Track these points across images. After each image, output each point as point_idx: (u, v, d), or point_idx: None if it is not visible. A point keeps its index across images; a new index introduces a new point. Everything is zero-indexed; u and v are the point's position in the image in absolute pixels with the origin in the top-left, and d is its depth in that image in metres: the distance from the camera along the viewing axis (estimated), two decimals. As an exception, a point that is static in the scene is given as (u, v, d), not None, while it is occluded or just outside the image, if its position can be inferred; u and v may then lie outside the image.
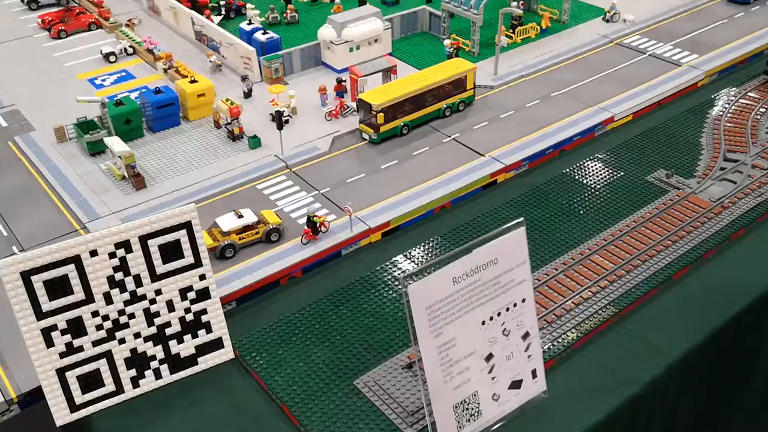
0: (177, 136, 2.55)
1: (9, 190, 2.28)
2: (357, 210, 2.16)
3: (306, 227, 2.05)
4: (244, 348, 1.76)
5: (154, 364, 1.66)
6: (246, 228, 2.03)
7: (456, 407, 1.48)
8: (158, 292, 1.63)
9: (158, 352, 1.66)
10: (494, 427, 1.54)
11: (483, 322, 1.47)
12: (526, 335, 1.54)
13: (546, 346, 1.70)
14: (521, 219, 1.46)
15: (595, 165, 2.39)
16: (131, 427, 1.61)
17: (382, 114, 2.43)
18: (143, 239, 1.58)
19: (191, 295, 1.67)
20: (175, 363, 1.69)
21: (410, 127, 2.55)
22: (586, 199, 2.23)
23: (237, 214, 2.04)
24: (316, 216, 2.05)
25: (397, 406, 1.57)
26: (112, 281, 1.57)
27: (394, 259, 2.03)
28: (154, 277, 1.62)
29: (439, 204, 2.22)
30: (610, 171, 2.36)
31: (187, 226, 1.62)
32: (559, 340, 1.72)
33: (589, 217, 2.14)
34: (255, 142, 2.46)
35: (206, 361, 1.72)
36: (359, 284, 1.95)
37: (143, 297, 1.62)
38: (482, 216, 2.18)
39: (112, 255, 1.55)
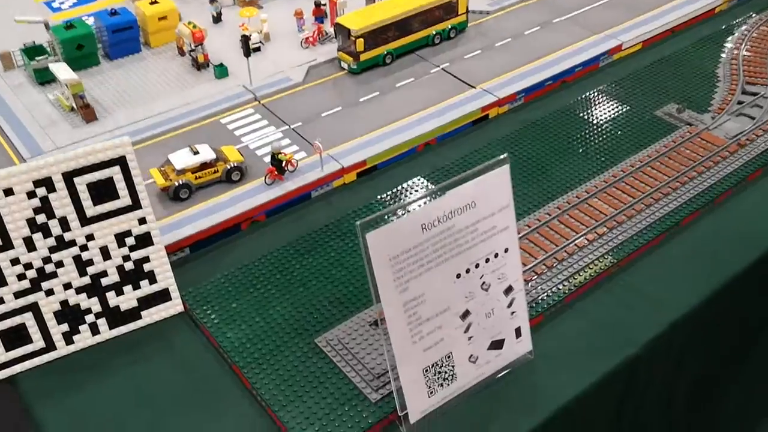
0: (136, 64, 2.31)
1: (-53, 123, 2.06)
2: (330, 147, 1.94)
3: (270, 165, 1.83)
4: (195, 300, 1.57)
5: (89, 318, 1.47)
6: (203, 166, 1.81)
7: (426, 370, 1.28)
8: (90, 237, 1.42)
9: (94, 304, 1.47)
10: (472, 392, 1.35)
11: (458, 275, 1.26)
12: (509, 290, 1.34)
13: (533, 301, 1.50)
14: (505, 155, 1.24)
15: (599, 98, 2.15)
16: (66, 387, 1.42)
17: (361, 40, 2.19)
18: (68, 176, 1.36)
19: (130, 241, 1.46)
20: (115, 317, 1.50)
21: (394, 56, 2.30)
22: (588, 136, 2.00)
23: (192, 150, 1.82)
24: (282, 153, 1.83)
25: (362, 368, 1.38)
26: (33, 224, 1.36)
27: (369, 202, 1.82)
28: (84, 220, 1.41)
29: (422, 141, 1.99)
30: (615, 105, 2.12)
31: (122, 162, 1.40)
32: (549, 294, 1.51)
33: (590, 157, 1.91)
34: (221, 71, 2.22)
35: (151, 315, 1.53)
36: (329, 230, 1.75)
37: (72, 243, 1.41)
38: (470, 154, 1.95)
39: (31, 194, 1.34)
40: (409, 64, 2.30)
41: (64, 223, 1.39)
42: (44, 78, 2.17)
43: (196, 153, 1.81)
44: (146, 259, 1.49)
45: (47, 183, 1.35)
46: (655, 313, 1.51)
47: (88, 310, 1.47)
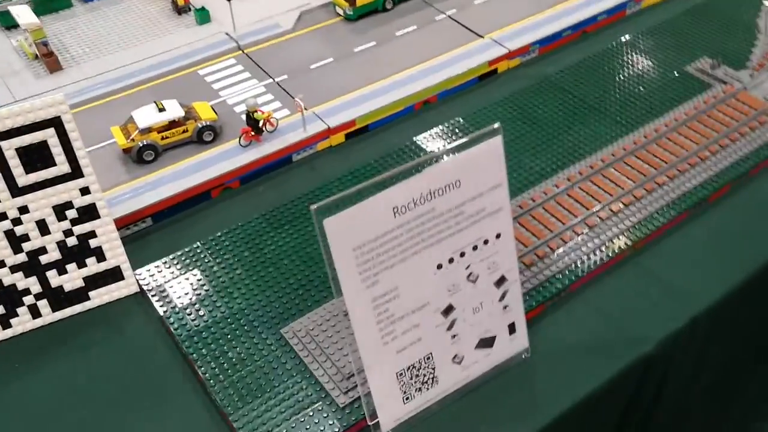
0: (112, 7, 2.11)
1: None
2: (317, 104, 1.73)
3: (246, 125, 1.63)
4: (153, 280, 1.39)
5: (28, 299, 1.31)
6: (171, 125, 1.61)
7: (401, 374, 1.10)
8: (23, 209, 1.25)
9: (33, 284, 1.30)
10: (456, 396, 1.17)
11: (439, 266, 1.07)
12: (501, 281, 1.14)
13: (533, 289, 1.30)
14: (497, 125, 1.03)
15: (623, 51, 1.90)
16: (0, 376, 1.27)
17: (357, -18, 1.96)
18: (-7, 140, 1.18)
19: (71, 213, 1.29)
20: (58, 298, 1.33)
21: (395, 1, 2.07)
22: (608, 95, 1.76)
23: (158, 106, 1.62)
24: (258, 111, 1.62)
25: (331, 366, 1.20)
26: (-45, 195, 1.19)
27: (357, 168, 1.62)
28: (15, 190, 1.23)
29: (420, 99, 1.78)
30: (641, 59, 1.87)
31: (56, 123, 1.21)
32: (552, 281, 1.31)
33: (610, 119, 1.69)
34: (203, 16, 2.01)
35: (100, 296, 1.36)
36: (310, 199, 1.55)
37: (2, 216, 1.24)
38: (474, 114, 1.73)
39: (-51, 161, 1.17)
40: (411, 10, 2.07)
41: (-8, 194, 1.22)
42: (8, 22, 1.98)
43: (162, 110, 1.61)
44: (92, 234, 1.31)
45: (-31, 147, 1.17)
46: (673, 306, 1.30)
47: (26, 291, 1.30)
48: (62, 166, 1.24)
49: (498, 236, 1.10)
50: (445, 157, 1.00)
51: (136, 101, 1.74)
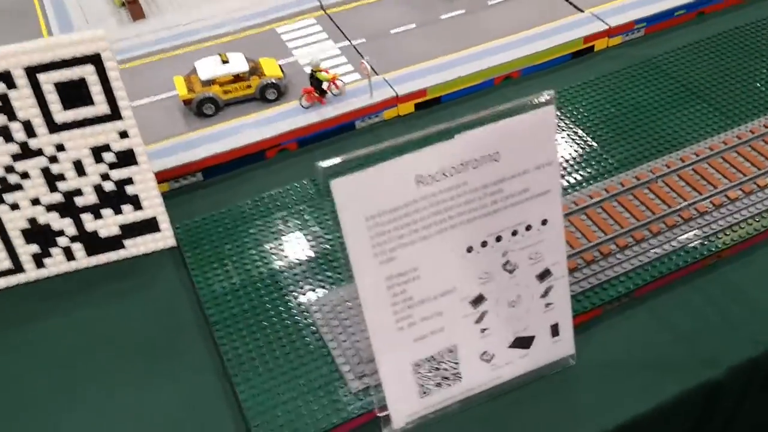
0: (203, -40, 2.08)
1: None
2: (390, 70, 1.62)
3: (309, 85, 1.54)
4: (188, 236, 1.34)
5: (62, 240, 1.28)
6: (235, 79, 1.55)
7: (418, 366, 0.99)
8: (60, 147, 1.21)
9: (68, 226, 1.27)
10: (484, 398, 1.04)
11: (469, 249, 0.94)
12: (544, 274, 1.00)
13: (590, 289, 1.14)
14: (550, 93, 0.89)
15: (742, 37, 1.67)
16: (28, 315, 1.25)
17: (451, -56, 1.82)
18: (31, 72, 1.15)
19: (109, 157, 1.24)
20: (93, 243, 1.30)
21: (493, -32, 1.92)
22: (717, 83, 1.55)
23: (223, 58, 1.56)
24: (323, 71, 1.53)
25: (350, 347, 1.10)
26: (-8, 126, 1.17)
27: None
28: (52, 126, 1.20)
29: (501, 72, 1.63)
30: (761, 47, 1.64)
31: (96, 60, 1.16)
32: (614, 283, 1.15)
33: (714, 109, 1.48)
34: (289, -27, 1.94)
35: (136, 246, 1.32)
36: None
37: (39, 152, 1.21)
38: (560, 94, 1.57)
39: (-13, 90, 1.15)
40: (510, -21, 1.91)
41: (29, 128, 1.19)
42: (101, -31, 1.98)
43: (225, 62, 1.55)
44: (129, 181, 1.27)
45: (6, 78, 1.14)
46: (755, 328, 1.11)
47: (61, 232, 1.27)
48: (101, 107, 1.20)
49: (544, 222, 0.96)
50: (483, 124, 0.87)
51: (211, 54, 1.69)
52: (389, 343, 0.95)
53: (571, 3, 1.78)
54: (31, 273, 1.29)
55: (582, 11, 1.75)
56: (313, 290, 1.21)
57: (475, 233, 0.93)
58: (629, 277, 1.16)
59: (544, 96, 0.89)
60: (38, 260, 1.29)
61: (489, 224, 0.93)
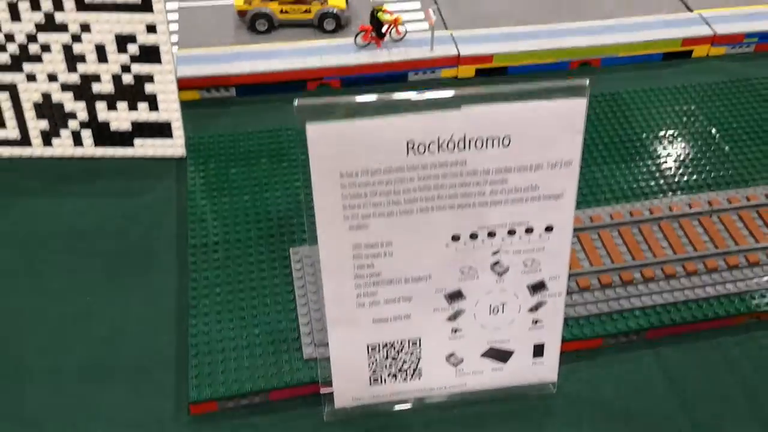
0: None
1: None
2: (462, 27, 1.49)
3: (368, 24, 1.43)
4: (201, 150, 1.27)
5: (73, 124, 1.23)
6: (296, 0, 1.46)
7: (373, 349, 0.89)
8: (85, 27, 1.15)
9: (80, 110, 1.22)
10: (439, 402, 0.94)
11: (455, 237, 0.83)
12: (538, 287, 0.87)
13: (595, 315, 1.01)
14: (585, 81, 0.75)
15: None
16: (23, 191, 1.21)
17: None
18: (68, -60, 1.08)
19: (132, 49, 1.18)
20: (102, 133, 1.24)
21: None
22: (820, 122, 1.36)
23: (287, -25, 1.47)
24: (386, 12, 1.42)
25: (317, 309, 1.01)
26: (18, -11, 1.12)
27: (475, 108, 1.37)
28: (81, 4, 1.13)
29: (580, 56, 1.47)
30: None
31: (135, -56, 1.09)
32: (626, 316, 1.02)
33: (806, 151, 1.30)
34: None
35: (144, 147, 1.26)
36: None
37: (63, 27, 1.15)
38: (633, 93, 1.41)
39: (18, -52, 1.09)
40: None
41: (57, 0, 1.13)
42: None
43: (290, -20, 1.46)
44: (149, 78, 1.20)
45: (42, -61, 1.09)
46: (775, 409, 0.96)
47: (73, 114, 1.22)
48: (132, -6, 1.13)
49: (548, 229, 0.84)
50: (497, 101, 0.75)
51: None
52: (345, 317, 0.86)
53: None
54: (37, 149, 1.26)
55: (690, 10, 1.56)
56: (304, 240, 1.12)
57: (465, 221, 0.82)
58: (645, 313, 1.02)
59: (578, 82, 0.75)
60: (46, 138, 1.25)
61: (483, 215, 0.82)
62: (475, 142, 0.77)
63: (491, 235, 0.83)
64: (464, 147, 0.77)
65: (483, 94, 0.75)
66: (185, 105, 1.28)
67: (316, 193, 0.77)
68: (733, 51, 1.52)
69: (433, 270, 0.85)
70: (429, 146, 0.76)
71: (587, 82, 0.75)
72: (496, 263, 0.86)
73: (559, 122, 0.77)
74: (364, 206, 0.79)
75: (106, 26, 1.15)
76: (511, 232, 0.83)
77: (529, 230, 0.84)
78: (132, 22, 1.15)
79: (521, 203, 0.81)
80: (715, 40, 1.50)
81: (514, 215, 0.82)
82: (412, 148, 0.76)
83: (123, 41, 1.17)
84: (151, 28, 1.16)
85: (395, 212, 0.80)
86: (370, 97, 0.74)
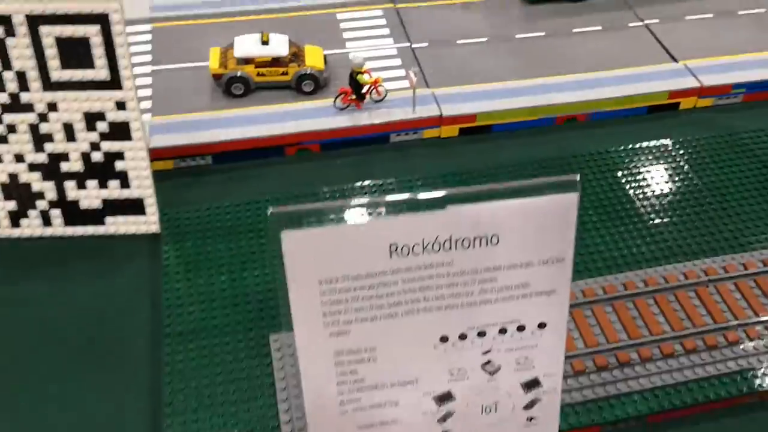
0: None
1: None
2: (443, 85, 1.46)
3: (348, 86, 1.39)
4: (175, 226, 1.22)
5: (41, 204, 1.18)
6: (272, 62, 1.42)
7: (360, 455, 0.84)
8: (52, 107, 1.11)
9: (49, 190, 1.17)
10: (430, 504, 0.89)
11: (444, 338, 0.78)
12: (532, 384, 0.83)
13: (590, 401, 0.97)
14: (575, 177, 0.71)
15: None
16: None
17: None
18: (33, 22, 1.04)
19: (102, 126, 1.13)
20: (72, 213, 1.19)
21: (591, -8, 1.72)
22: (812, 177, 1.33)
23: (263, 38, 1.42)
24: (364, 73, 1.38)
25: (298, 396, 0.95)
26: (-18, 71, 1.07)
27: (460, 172, 1.34)
28: (47, 83, 1.09)
29: (568, 112, 1.44)
30: None
31: (103, 20, 1.04)
32: (624, 400, 0.97)
33: (800, 209, 1.26)
34: (367, -43, 1.78)
35: (116, 225, 1.21)
36: (392, 190, 1.30)
37: (30, 107, 1.10)
38: (624, 152, 1.37)
39: (-17, 32, 1.04)
40: (605, 8, 1.71)
41: (22, 80, 1.08)
42: None
43: (265, 43, 1.42)
44: (119, 156, 1.15)
45: (5, 22, 1.04)
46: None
47: (41, 195, 1.17)
48: (101, 71, 1.08)
49: (542, 326, 0.79)
50: (482, 199, 0.70)
51: (264, 28, 1.55)
52: (328, 424, 0.81)
53: (665, 49, 1.57)
54: (5, 230, 1.20)
55: (675, 61, 1.54)
56: (286, 323, 1.07)
57: (453, 322, 0.77)
58: (644, 397, 0.97)
59: (568, 178, 0.71)
60: (14, 219, 1.19)
61: (472, 316, 0.77)
62: (462, 241, 0.72)
63: (481, 334, 0.79)
64: (450, 247, 0.72)
65: (468, 193, 0.71)
66: (159, 175, 1.23)
67: (294, 301, 0.72)
68: (721, 102, 1.49)
69: (421, 373, 0.80)
70: (413, 248, 0.72)
71: (578, 177, 0.71)
72: (488, 362, 0.81)
73: (550, 219, 0.72)
74: (345, 312, 0.74)
75: (74, 104, 1.11)
76: (503, 331, 0.79)
77: (521, 328, 0.79)
78: (101, 100, 1.11)
79: (512, 301, 0.77)
80: (702, 92, 1.47)
81: (504, 314, 0.78)
82: (396, 251, 0.72)
83: (92, 119, 1.12)
84: (121, 105, 1.11)
85: (378, 317, 0.75)
86: (351, 202, 0.69)
